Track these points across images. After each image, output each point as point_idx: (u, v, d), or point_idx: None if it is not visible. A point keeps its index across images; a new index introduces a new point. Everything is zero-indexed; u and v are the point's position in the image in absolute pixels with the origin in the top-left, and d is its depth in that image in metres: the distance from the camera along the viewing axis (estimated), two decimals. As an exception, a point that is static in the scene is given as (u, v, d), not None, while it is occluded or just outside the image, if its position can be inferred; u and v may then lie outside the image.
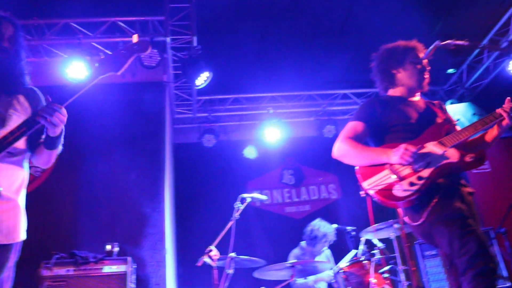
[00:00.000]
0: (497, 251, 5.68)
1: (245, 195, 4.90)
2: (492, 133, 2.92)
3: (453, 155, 2.67)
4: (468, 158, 2.62)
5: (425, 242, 2.73)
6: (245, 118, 8.64)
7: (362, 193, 2.70)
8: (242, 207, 4.80)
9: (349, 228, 5.67)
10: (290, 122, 8.59)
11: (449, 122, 2.98)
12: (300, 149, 8.59)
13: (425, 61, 3.14)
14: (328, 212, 8.10)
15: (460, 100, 8.69)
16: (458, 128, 2.95)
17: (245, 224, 6.72)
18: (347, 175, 7.78)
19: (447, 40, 2.80)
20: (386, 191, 2.59)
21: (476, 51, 7.82)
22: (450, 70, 8.56)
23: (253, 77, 7.88)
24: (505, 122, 2.79)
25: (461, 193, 2.65)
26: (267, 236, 7.54)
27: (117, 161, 5.99)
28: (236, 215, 4.73)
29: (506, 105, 2.80)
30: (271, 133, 8.12)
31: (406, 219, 2.74)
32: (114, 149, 6.09)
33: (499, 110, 2.81)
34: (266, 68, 7.76)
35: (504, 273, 5.57)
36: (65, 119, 2.32)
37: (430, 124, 2.90)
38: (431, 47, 2.94)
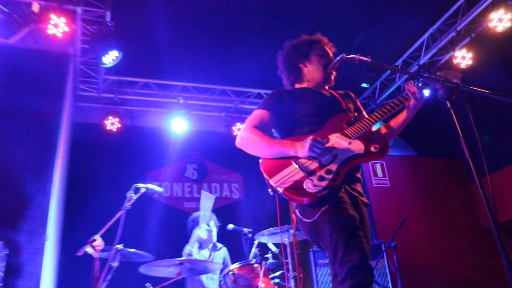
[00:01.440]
0: (386, 264, 5.89)
1: (140, 184, 4.62)
2: (399, 118, 2.95)
3: (358, 146, 2.65)
4: (373, 149, 2.61)
5: (310, 240, 2.68)
6: (153, 104, 8.35)
7: (270, 190, 2.60)
8: (135, 197, 4.52)
9: (245, 229, 5.60)
10: (199, 115, 8.46)
11: (354, 111, 3.02)
12: (207, 144, 8.46)
13: (330, 55, 3.16)
14: (228, 212, 8.03)
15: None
16: (364, 114, 2.99)
17: (139, 216, 6.40)
18: (251, 177, 8.34)
19: (363, 55, 2.78)
20: (297, 187, 2.51)
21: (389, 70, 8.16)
22: (364, 85, 8.83)
23: (166, 63, 7.64)
24: (412, 102, 2.82)
25: (357, 201, 2.68)
26: (161, 230, 7.26)
27: (1, 133, 5.37)
28: (127, 205, 4.44)
29: (410, 86, 2.83)
30: (179, 123, 7.94)
31: (297, 211, 2.68)
32: (-1, 119, 5.46)
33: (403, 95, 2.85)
34: (181, 56, 7.55)
35: (390, 285, 5.79)
36: None
37: (333, 115, 2.91)
38: (336, 59, 2.95)
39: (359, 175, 2.85)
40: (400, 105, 2.80)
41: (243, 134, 2.83)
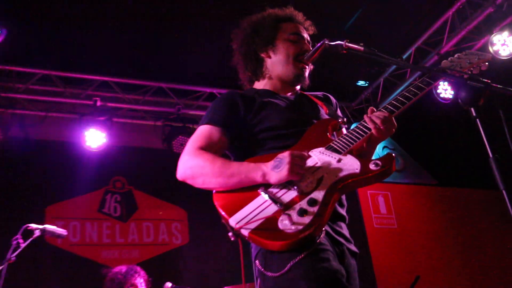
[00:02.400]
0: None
1: (33, 225, 4.57)
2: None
3: (352, 164, 2.65)
4: (373, 166, 2.60)
5: None
6: (56, 107, 8.25)
7: (230, 235, 2.55)
8: (24, 244, 4.46)
9: (192, 292, 5.56)
10: (125, 123, 8.45)
11: (336, 118, 3.03)
12: (137, 166, 8.45)
13: (306, 40, 3.18)
14: (165, 264, 8.01)
15: None
16: (344, 130, 3.01)
17: (30, 272, 6.33)
18: (200, 213, 8.13)
19: (356, 40, 2.81)
20: (269, 228, 2.49)
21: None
22: (361, 83, 8.98)
23: (76, 50, 7.64)
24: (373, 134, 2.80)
25: (343, 251, 2.70)
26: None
27: None
28: (12, 256, 4.36)
29: (372, 116, 2.81)
30: (95, 136, 7.89)
31: (258, 262, 2.65)
32: None
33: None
34: (99, 39, 7.53)
35: None
36: None
37: (313, 122, 2.95)
38: (315, 47, 2.97)
39: (343, 212, 2.85)
40: (409, 100, 2.83)
41: (186, 161, 2.81)
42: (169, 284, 5.44)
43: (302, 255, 2.47)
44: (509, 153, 2.17)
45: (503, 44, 7.34)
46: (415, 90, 2.83)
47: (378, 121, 2.72)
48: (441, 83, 8.09)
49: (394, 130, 2.81)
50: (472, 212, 9.07)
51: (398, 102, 2.82)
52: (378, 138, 2.80)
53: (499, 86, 2.28)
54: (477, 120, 2.22)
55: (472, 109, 2.22)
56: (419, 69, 8.42)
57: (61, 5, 6.86)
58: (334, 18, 7.45)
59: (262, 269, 2.61)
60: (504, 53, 7.30)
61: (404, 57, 8.20)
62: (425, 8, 7.69)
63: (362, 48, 2.70)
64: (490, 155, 2.16)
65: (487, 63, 2.58)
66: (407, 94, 2.83)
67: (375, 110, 2.82)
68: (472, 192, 9.26)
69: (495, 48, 7.32)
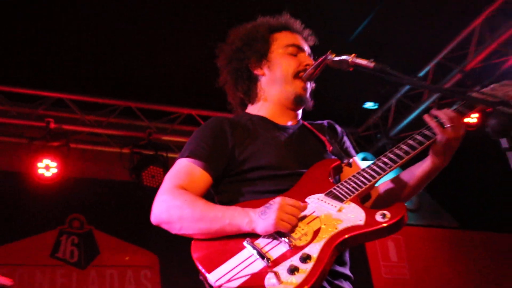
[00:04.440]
0: None
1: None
2: (417, 170, 2.80)
3: (355, 214, 2.53)
4: (379, 217, 2.46)
5: None
6: (2, 130, 7.79)
7: None
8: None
9: None
10: (85, 150, 8.10)
11: (340, 158, 2.92)
12: (98, 202, 8.00)
13: (305, 53, 3.07)
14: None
15: (379, 155, 8.52)
16: (357, 164, 2.94)
17: None
18: (174, 258, 7.71)
19: (364, 55, 2.67)
20: (254, 287, 2.40)
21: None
22: (369, 104, 8.72)
23: (26, 61, 7.19)
24: (439, 139, 2.63)
25: None
26: None
27: None
28: None
29: (433, 114, 2.65)
30: (47, 166, 7.39)
31: None
32: None
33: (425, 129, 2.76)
34: (52, 50, 7.14)
35: None
36: None
37: (313, 163, 2.85)
38: (317, 62, 2.86)
39: (345, 271, 2.72)
40: (426, 141, 2.65)
41: (162, 202, 2.72)
42: None
43: None
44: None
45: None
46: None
47: (445, 118, 2.56)
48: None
49: (461, 135, 2.62)
50: (499, 260, 8.67)
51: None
52: (439, 152, 2.63)
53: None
54: (507, 152, 2.25)
55: (502, 140, 2.03)
56: (438, 91, 8.35)
57: (9, 7, 6.52)
58: (337, 27, 7.11)
59: None
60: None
61: (421, 74, 7.86)
62: (447, 16, 7.31)
63: (372, 65, 2.59)
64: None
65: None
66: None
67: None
68: (499, 237, 8.94)
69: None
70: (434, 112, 2.65)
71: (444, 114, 2.58)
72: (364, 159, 8.49)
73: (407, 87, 8.22)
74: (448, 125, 2.56)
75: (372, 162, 2.72)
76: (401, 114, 8.58)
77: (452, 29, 7.51)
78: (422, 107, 8.19)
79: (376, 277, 7.78)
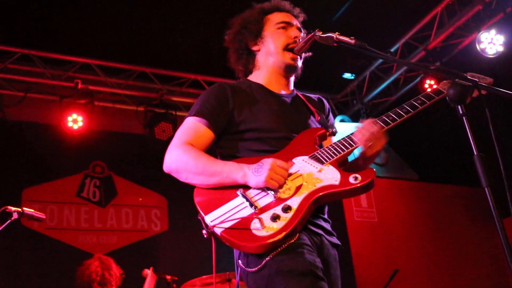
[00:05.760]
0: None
1: (10, 208, 4.50)
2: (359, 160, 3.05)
3: (332, 175, 2.70)
4: (352, 179, 2.66)
5: None
6: (35, 88, 8.15)
7: (204, 232, 2.62)
8: (1, 227, 4.43)
9: (169, 277, 5.62)
10: (106, 107, 8.38)
11: (325, 127, 3.08)
12: (117, 151, 8.43)
13: (294, 28, 3.21)
14: (144, 250, 8.02)
15: (355, 118, 9.11)
16: (333, 139, 3.06)
17: (6, 255, 6.42)
18: (180, 200, 8.03)
19: (345, 33, 2.83)
20: (242, 229, 2.56)
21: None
22: (347, 75, 8.94)
23: (58, 30, 7.54)
24: (364, 149, 2.90)
25: (322, 242, 2.76)
26: (43, 279, 7.06)
27: None
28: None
29: (362, 129, 2.90)
30: (74, 119, 7.88)
31: (240, 263, 2.74)
32: None
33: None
34: (81, 21, 7.47)
35: None
36: None
37: (302, 129, 2.99)
38: (306, 38, 3.01)
39: (324, 214, 2.91)
40: (407, 114, 2.91)
41: (172, 155, 2.89)
42: (148, 270, 5.40)
43: (276, 252, 2.54)
44: (493, 151, 2.19)
45: (490, 42, 7.34)
46: (408, 108, 2.93)
47: (366, 136, 2.82)
48: (427, 81, 8.07)
49: (381, 146, 2.89)
50: (453, 209, 9.14)
51: (389, 118, 2.89)
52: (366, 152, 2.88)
53: (486, 85, 2.33)
54: (464, 118, 2.25)
55: (459, 107, 2.25)
56: (405, 64, 8.64)
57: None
58: (321, 10, 7.44)
59: (244, 267, 2.69)
60: (490, 51, 7.31)
61: (392, 51, 8.24)
62: (413, 3, 7.68)
63: (353, 42, 2.72)
64: (475, 152, 2.19)
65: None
66: (399, 111, 2.91)
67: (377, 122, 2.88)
68: (454, 189, 9.35)
69: (482, 46, 7.34)
70: (361, 128, 2.88)
71: (367, 131, 2.83)
72: (342, 121, 8.89)
73: (379, 61, 8.55)
74: (370, 143, 2.83)
75: (347, 135, 2.87)
76: (374, 84, 8.97)
77: (417, 14, 7.84)
78: (392, 78, 8.69)
79: (349, 220, 8.24)
